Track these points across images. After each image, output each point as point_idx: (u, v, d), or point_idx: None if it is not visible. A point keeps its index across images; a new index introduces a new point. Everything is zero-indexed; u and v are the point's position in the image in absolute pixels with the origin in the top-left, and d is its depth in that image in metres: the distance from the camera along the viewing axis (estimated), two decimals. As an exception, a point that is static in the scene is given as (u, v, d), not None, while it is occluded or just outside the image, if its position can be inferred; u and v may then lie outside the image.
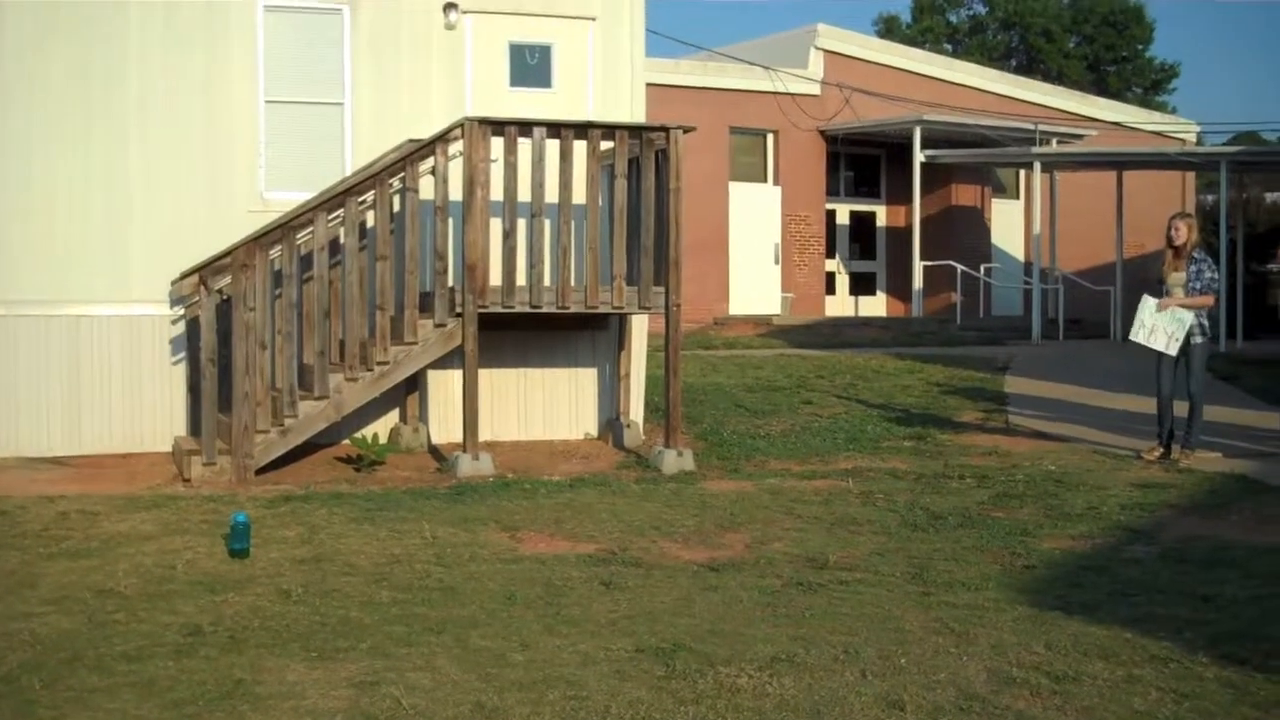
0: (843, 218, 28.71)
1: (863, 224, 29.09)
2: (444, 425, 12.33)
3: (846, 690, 5.65)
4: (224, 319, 10.80)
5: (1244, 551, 8.38)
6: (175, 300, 11.61)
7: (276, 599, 7.11)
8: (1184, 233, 11.87)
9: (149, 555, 8.01)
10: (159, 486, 10.34)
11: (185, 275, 11.04)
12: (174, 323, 11.75)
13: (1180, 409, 11.82)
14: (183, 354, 11.71)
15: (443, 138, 11.13)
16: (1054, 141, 27.38)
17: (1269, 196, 37.45)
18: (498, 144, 11.14)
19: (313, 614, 6.82)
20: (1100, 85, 50.58)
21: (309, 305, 11.11)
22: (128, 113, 11.73)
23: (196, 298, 10.95)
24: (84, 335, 11.59)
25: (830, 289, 28.30)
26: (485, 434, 11.63)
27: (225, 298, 10.86)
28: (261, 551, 8.10)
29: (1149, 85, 57.50)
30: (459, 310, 11.12)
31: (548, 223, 11.39)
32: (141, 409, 11.70)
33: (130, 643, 6.26)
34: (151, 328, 11.73)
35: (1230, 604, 7.13)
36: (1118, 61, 57.18)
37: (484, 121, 11.13)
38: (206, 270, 10.80)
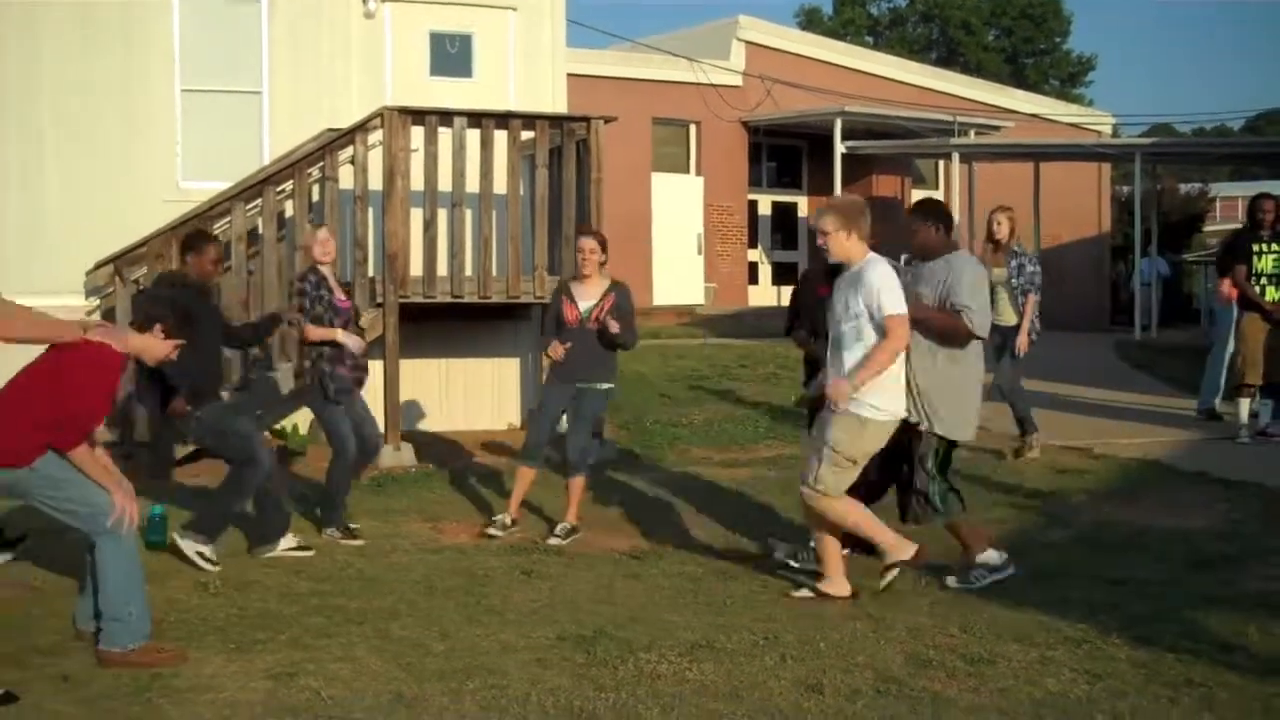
0: (765, 208, 28.82)
1: (785, 214, 29.21)
2: (365, 416, 12.21)
3: (766, 675, 5.69)
4: (140, 310, 10.65)
5: (1156, 536, 8.52)
6: (90, 291, 11.44)
7: (193, 591, 7.06)
8: (1005, 227, 11.14)
9: (63, 548, 7.89)
10: (74, 479, 10.15)
11: (100, 265, 10.92)
12: (89, 314, 11.55)
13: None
14: (98, 345, 11.52)
15: (362, 127, 11.06)
16: (972, 133, 27.60)
17: (1183, 187, 38.14)
18: (418, 133, 11.08)
19: (230, 606, 6.78)
20: (1019, 78, 51.16)
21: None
22: (41, 100, 11.54)
23: (111, 288, 10.81)
24: (-4, 327, 11.36)
25: (753, 279, 28.39)
26: (407, 424, 11.57)
27: (141, 288, 10.72)
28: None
29: (1066, 78, 58.31)
30: (380, 301, 11.06)
31: (469, 212, 11.34)
32: (56, 401, 11.48)
33: (45, 637, 6.18)
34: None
35: (1142, 587, 7.26)
36: (1036, 54, 57.94)
37: (404, 111, 11.07)
38: (122, 260, 10.67)
